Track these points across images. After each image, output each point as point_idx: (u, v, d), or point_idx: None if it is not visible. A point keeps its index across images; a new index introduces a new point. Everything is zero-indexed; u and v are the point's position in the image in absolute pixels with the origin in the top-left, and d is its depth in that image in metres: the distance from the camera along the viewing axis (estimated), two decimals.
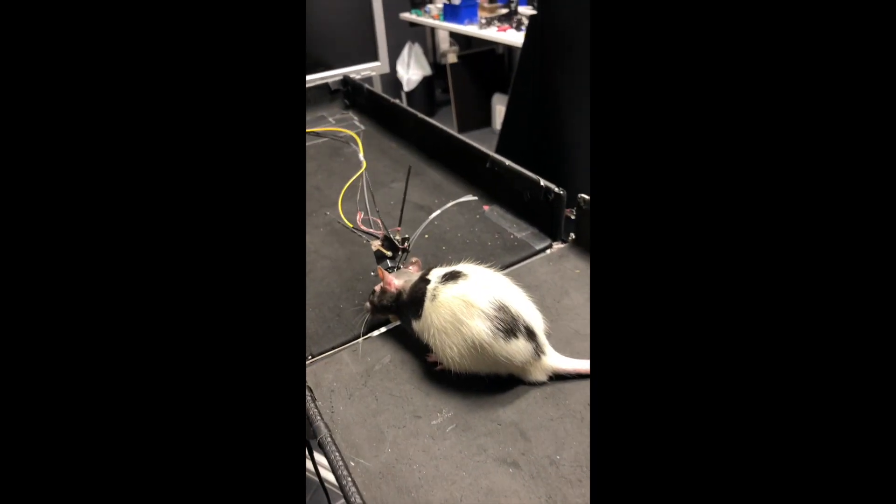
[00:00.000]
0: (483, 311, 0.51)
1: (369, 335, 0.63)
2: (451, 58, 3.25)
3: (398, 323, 0.63)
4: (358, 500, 0.42)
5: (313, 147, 1.10)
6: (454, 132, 0.93)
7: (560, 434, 0.50)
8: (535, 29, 1.31)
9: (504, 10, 2.84)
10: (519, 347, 0.51)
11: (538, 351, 0.53)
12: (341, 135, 1.12)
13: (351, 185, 0.94)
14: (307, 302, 0.69)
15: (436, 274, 0.57)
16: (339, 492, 0.43)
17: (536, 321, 0.53)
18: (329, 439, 0.46)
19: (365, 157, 1.04)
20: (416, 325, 0.56)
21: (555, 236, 0.77)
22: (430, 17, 3.09)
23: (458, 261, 0.73)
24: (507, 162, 0.81)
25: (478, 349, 0.51)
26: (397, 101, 1.06)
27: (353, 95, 1.24)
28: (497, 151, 0.85)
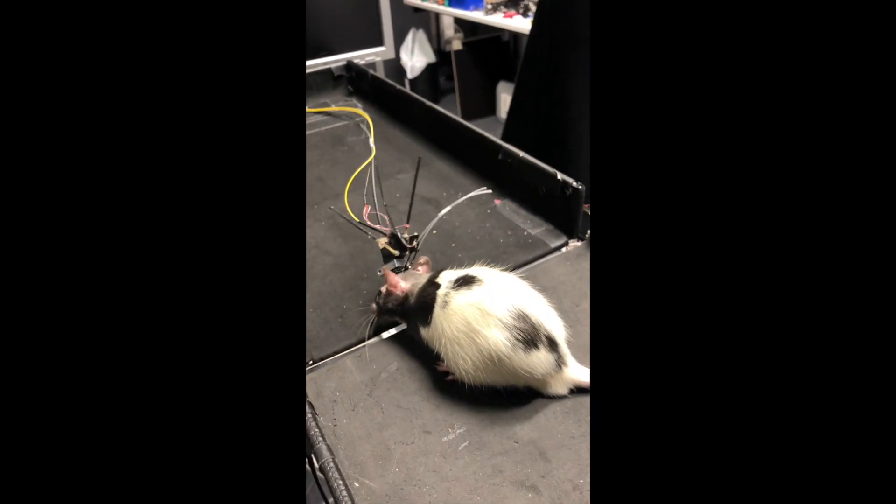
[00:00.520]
0: (500, 320, 0.46)
1: (375, 338, 0.59)
2: (456, 45, 3.17)
3: (403, 325, 0.59)
4: None
5: (317, 135, 1.05)
6: (464, 121, 0.88)
7: (583, 455, 0.45)
8: (543, 15, 1.26)
9: None
10: (540, 359, 0.47)
11: (560, 362, 0.48)
12: (356, 116, 1.05)
13: (359, 178, 0.89)
14: (308, 302, 0.64)
15: (446, 277, 0.52)
16: None
17: (558, 330, 0.49)
18: (332, 464, 0.41)
19: (366, 144, 0.99)
20: (424, 332, 0.52)
21: (571, 233, 0.72)
22: (434, 3, 3.02)
23: (470, 259, 0.69)
24: (521, 154, 0.77)
25: (494, 361, 0.47)
26: (402, 87, 1.01)
27: (356, 82, 1.19)
28: (503, 140, 0.81)
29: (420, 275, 0.56)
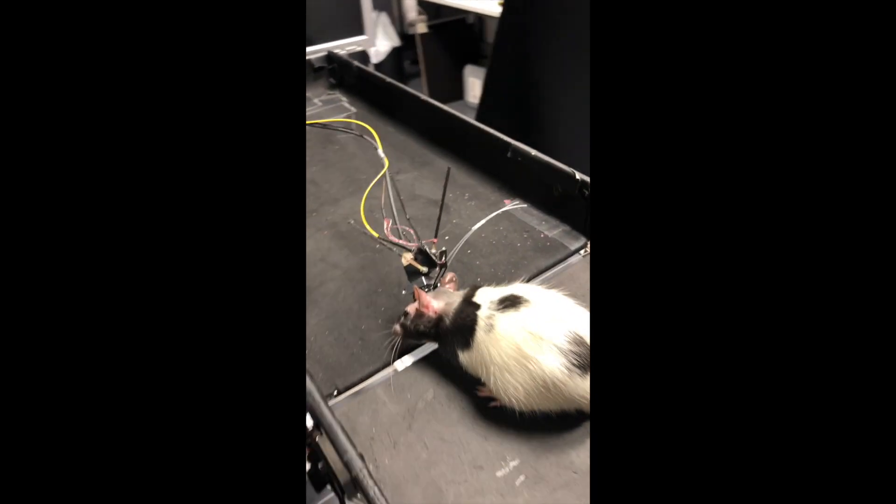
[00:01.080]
0: (556, 345, 0.43)
1: (403, 362, 0.54)
2: (421, 28, 3.09)
3: (432, 345, 0.55)
4: None
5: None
6: (467, 117, 0.83)
7: None
8: None
9: None
10: None
11: None
12: (353, 126, 0.99)
13: (356, 181, 0.84)
14: (322, 323, 0.60)
15: (486, 297, 0.48)
16: None
17: None
18: None
19: (359, 143, 0.94)
20: (464, 357, 0.48)
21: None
22: None
23: (489, 266, 0.65)
24: (534, 152, 0.73)
25: (549, 388, 0.44)
26: (396, 82, 0.95)
27: (339, 73, 1.13)
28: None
29: (452, 293, 0.52)
